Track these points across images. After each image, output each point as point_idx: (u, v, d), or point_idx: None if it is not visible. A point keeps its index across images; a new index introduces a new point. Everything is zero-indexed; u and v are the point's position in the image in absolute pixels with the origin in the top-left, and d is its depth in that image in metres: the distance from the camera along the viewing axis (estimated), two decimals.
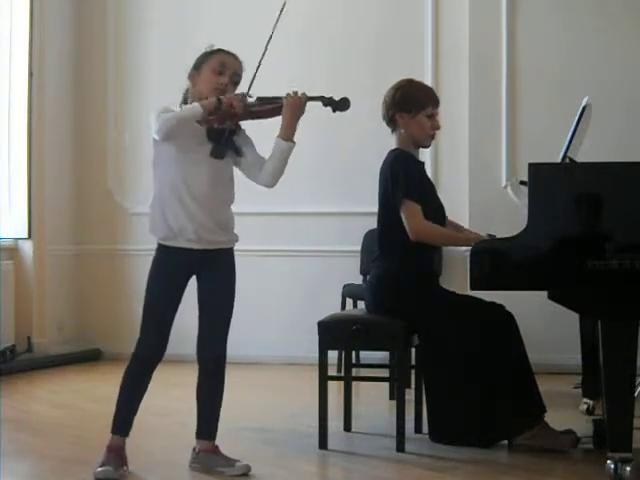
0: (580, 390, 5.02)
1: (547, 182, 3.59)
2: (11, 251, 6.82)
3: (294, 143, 3.75)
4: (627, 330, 3.53)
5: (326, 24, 7.04)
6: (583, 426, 4.36)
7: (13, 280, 6.70)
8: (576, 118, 4.22)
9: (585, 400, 4.90)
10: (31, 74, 6.90)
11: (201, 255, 3.77)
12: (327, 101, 3.83)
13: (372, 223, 6.50)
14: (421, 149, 4.49)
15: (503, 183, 6.58)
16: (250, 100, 3.74)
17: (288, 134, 3.74)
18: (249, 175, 3.86)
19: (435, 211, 4.36)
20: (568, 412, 4.81)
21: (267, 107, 3.78)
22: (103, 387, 5.65)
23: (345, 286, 6.49)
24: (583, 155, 4.32)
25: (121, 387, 3.80)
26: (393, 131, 4.43)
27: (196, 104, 3.62)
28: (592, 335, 4.48)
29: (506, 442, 4.18)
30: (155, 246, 3.85)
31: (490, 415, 4.14)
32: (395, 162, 4.31)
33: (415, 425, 4.51)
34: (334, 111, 3.83)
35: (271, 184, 3.84)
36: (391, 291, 4.29)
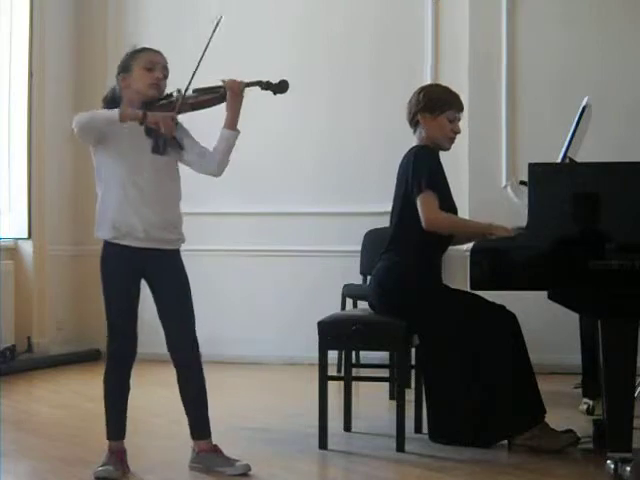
0: (580, 390, 5.03)
1: (547, 182, 3.59)
2: (11, 251, 6.82)
3: (239, 131, 3.79)
4: (627, 330, 3.53)
5: (326, 24, 7.05)
6: (583, 426, 4.36)
7: (13, 280, 6.70)
8: (576, 118, 4.22)
9: (585, 400, 4.91)
10: (31, 74, 6.90)
11: (148, 255, 3.75)
12: (265, 85, 3.81)
13: (372, 223, 6.56)
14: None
15: (503, 183, 6.59)
16: (188, 93, 3.75)
17: (233, 123, 3.78)
18: (195, 167, 3.85)
19: (450, 210, 4.35)
20: (568, 412, 4.81)
21: (206, 97, 3.79)
22: (102, 387, 5.64)
23: (345, 286, 6.49)
24: (583, 155, 4.32)
25: (105, 394, 3.81)
26: (415, 131, 4.44)
27: (115, 110, 3.61)
28: (592, 335, 4.48)
29: (506, 442, 4.18)
30: None
31: (490, 415, 4.14)
32: (419, 155, 4.31)
33: (415, 425, 4.51)
34: (275, 94, 3.81)
35: (218, 173, 3.85)
36: (394, 287, 4.29)
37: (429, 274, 4.36)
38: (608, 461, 3.55)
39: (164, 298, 3.80)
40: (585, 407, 4.88)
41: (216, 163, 3.81)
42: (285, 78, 3.79)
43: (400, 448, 4.14)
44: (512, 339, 4.17)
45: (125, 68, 3.79)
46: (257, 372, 6.64)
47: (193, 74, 3.70)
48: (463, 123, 6.48)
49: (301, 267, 6.97)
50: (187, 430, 3.90)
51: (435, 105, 4.37)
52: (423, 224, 4.20)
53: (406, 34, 6.89)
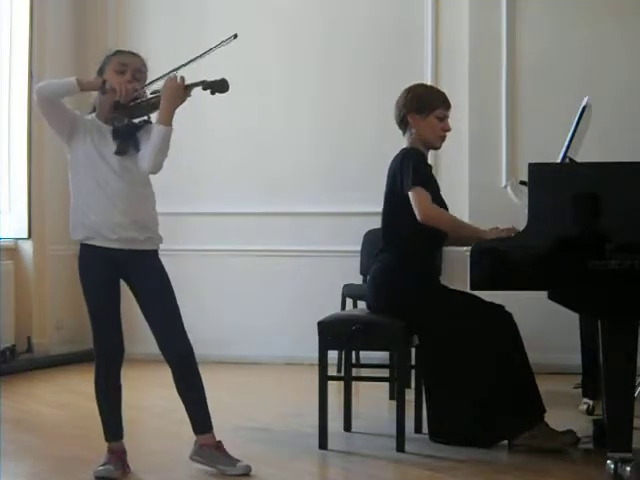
0: (580, 390, 5.02)
1: (547, 182, 3.59)
2: (11, 251, 6.82)
3: (171, 127, 3.67)
4: (627, 330, 3.53)
5: (326, 24, 7.04)
6: (583, 426, 4.36)
7: (13, 280, 6.70)
8: (576, 118, 4.22)
9: (585, 400, 4.91)
10: (31, 74, 6.90)
11: (124, 256, 3.74)
12: (206, 84, 3.66)
13: (372, 223, 6.55)
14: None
15: (503, 183, 6.58)
16: (148, 94, 3.73)
17: (165, 118, 3.66)
18: (140, 166, 3.76)
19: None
20: (568, 412, 4.81)
21: (159, 99, 3.69)
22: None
23: (345, 286, 6.49)
24: (583, 155, 4.32)
25: (97, 397, 3.82)
26: (404, 133, 4.45)
27: (73, 79, 3.61)
28: (592, 335, 4.48)
29: (506, 442, 4.18)
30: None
31: (490, 415, 4.14)
32: (406, 156, 4.34)
33: (415, 425, 4.51)
34: (212, 93, 3.66)
35: (150, 169, 3.73)
36: (392, 288, 4.29)
37: (424, 274, 4.36)
38: (608, 461, 3.55)
39: (147, 299, 3.79)
40: (585, 407, 4.88)
41: (147, 159, 3.70)
42: (225, 77, 3.65)
43: (400, 448, 4.14)
44: (510, 339, 4.17)
45: (100, 70, 3.82)
46: (257, 372, 6.64)
47: (198, 57, 3.66)
48: (464, 123, 6.59)
49: (301, 267, 6.97)
50: (188, 430, 3.90)
51: (424, 105, 4.39)
52: (418, 217, 4.21)
53: (406, 34, 6.89)
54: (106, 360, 3.81)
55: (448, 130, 4.43)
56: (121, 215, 3.72)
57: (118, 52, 3.83)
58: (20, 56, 6.91)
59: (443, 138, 4.45)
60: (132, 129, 3.77)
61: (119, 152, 3.72)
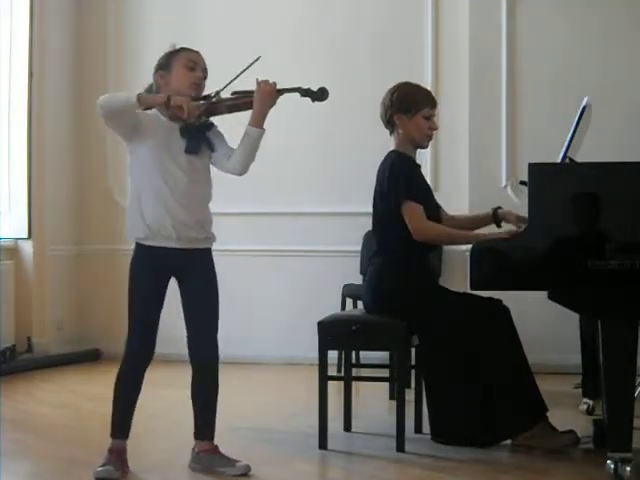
0: (580, 390, 5.03)
1: (547, 182, 3.59)
2: (11, 251, 6.82)
3: (264, 130, 3.76)
4: (627, 330, 3.53)
5: (326, 24, 7.04)
6: (583, 426, 4.36)
7: (13, 280, 6.70)
8: (576, 118, 4.22)
9: (585, 400, 4.91)
10: (31, 74, 6.90)
11: (180, 255, 3.75)
12: (304, 92, 3.75)
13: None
14: (419, 150, 4.53)
15: (503, 183, 6.59)
16: (227, 95, 3.76)
17: (258, 121, 3.74)
18: (220, 167, 3.85)
19: (432, 212, 4.37)
20: (568, 412, 4.81)
21: (243, 101, 3.76)
22: (102, 387, 5.64)
23: (345, 286, 6.49)
24: (583, 155, 4.32)
25: (115, 390, 3.80)
26: (391, 133, 4.45)
27: (133, 95, 3.59)
28: (592, 335, 4.48)
29: (506, 442, 4.18)
30: None
31: (490, 415, 4.14)
32: (395, 164, 4.33)
33: (415, 425, 4.51)
34: (313, 101, 3.77)
35: (240, 171, 3.82)
36: (389, 289, 4.29)
37: (420, 274, 4.36)
38: (608, 461, 3.55)
39: (193, 299, 3.80)
40: (585, 407, 4.88)
41: (239, 161, 3.79)
42: (324, 86, 3.74)
43: (400, 448, 4.14)
44: (510, 338, 4.17)
45: (164, 66, 3.79)
46: (257, 372, 6.65)
47: (232, 80, 3.70)
48: (464, 123, 6.60)
49: (301, 267, 6.97)
50: (187, 431, 3.90)
51: (410, 105, 4.38)
52: (414, 236, 4.23)
53: (406, 34, 6.89)
54: (135, 358, 3.79)
55: (435, 129, 4.45)
56: (186, 214, 3.73)
57: (184, 49, 3.83)
58: (20, 56, 6.91)
59: (430, 137, 4.46)
60: (204, 128, 3.77)
61: (191, 151, 3.73)
